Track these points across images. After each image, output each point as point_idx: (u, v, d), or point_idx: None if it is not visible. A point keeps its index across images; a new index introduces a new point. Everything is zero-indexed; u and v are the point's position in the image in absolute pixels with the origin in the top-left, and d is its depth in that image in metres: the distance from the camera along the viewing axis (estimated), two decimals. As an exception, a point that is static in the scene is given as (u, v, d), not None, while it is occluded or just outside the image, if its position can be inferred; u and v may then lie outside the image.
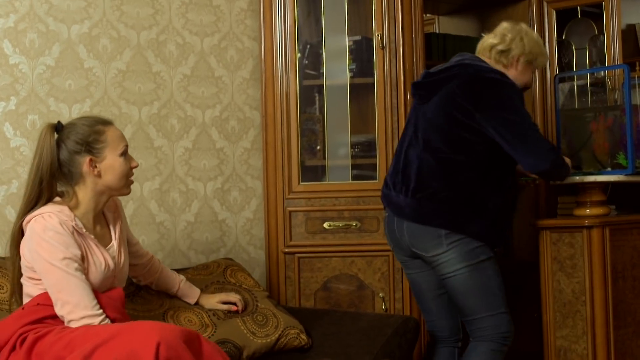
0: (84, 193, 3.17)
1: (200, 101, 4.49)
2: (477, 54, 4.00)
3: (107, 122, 3.21)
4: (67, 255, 3.02)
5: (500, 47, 3.94)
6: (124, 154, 3.20)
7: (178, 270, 4.00)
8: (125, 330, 2.85)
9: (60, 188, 3.17)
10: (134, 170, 3.26)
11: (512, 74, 3.92)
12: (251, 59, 4.68)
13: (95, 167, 3.14)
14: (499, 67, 3.92)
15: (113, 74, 4.19)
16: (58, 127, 3.17)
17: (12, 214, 3.85)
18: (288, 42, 4.55)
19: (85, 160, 3.13)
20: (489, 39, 3.99)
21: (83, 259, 3.09)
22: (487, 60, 3.94)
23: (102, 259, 3.16)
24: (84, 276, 3.06)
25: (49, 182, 3.12)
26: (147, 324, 2.90)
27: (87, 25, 4.12)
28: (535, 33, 4.05)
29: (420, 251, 3.84)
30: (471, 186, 3.76)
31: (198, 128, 4.47)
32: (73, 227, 3.08)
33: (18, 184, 3.87)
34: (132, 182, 3.27)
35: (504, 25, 4.02)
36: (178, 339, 2.82)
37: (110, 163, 3.16)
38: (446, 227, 3.74)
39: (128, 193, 3.29)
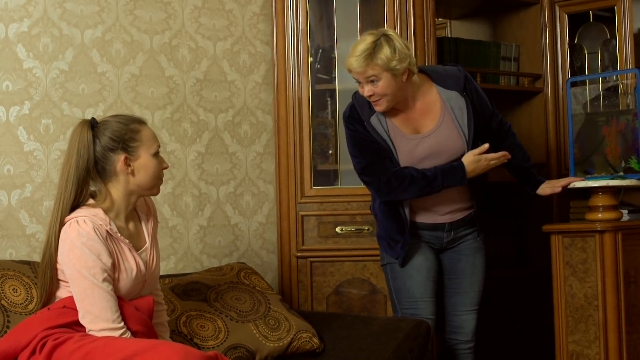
0: (117, 191, 3.15)
1: (213, 105, 4.50)
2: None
3: (141, 121, 3.20)
4: (96, 265, 3.01)
5: (404, 65, 3.75)
6: (157, 154, 3.19)
7: (190, 274, 4.02)
8: (147, 350, 2.84)
9: (92, 187, 3.15)
10: (164, 171, 3.25)
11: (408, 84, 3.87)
12: (264, 63, 4.69)
13: (129, 165, 3.13)
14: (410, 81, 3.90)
15: (126, 79, 4.21)
16: (93, 123, 3.15)
17: (26, 218, 3.86)
18: (300, 46, 4.56)
19: (120, 158, 3.11)
20: (390, 60, 3.73)
21: (114, 266, 3.08)
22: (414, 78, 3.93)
23: (133, 265, 3.14)
24: (110, 287, 3.04)
25: (84, 180, 3.11)
26: (169, 347, 2.87)
27: (101, 29, 4.13)
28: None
29: None
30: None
31: (211, 132, 4.48)
32: (107, 231, 3.07)
33: (32, 188, 3.89)
34: (162, 183, 3.26)
35: (381, 40, 3.77)
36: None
37: (144, 162, 3.14)
38: None
39: (157, 193, 3.27)
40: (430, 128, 3.86)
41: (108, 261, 3.04)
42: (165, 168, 3.24)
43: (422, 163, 3.83)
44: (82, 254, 3.01)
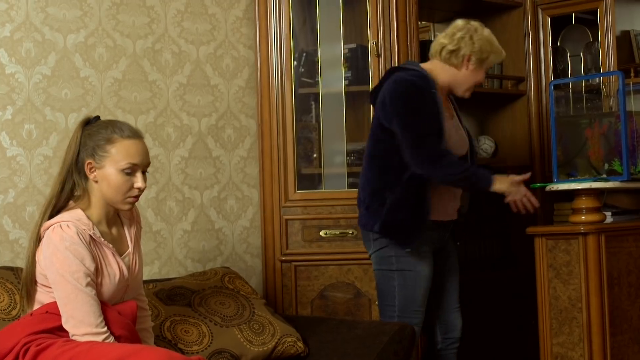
0: (94, 194, 3.13)
1: (196, 110, 4.50)
2: (430, 56, 4.05)
3: (128, 135, 3.13)
4: (79, 269, 3.00)
5: (449, 47, 3.94)
6: (127, 170, 3.10)
7: (174, 279, 4.01)
8: (130, 355, 2.83)
9: (76, 187, 3.14)
10: (138, 190, 3.14)
11: (462, 73, 3.95)
12: (247, 67, 4.69)
13: (93, 171, 3.11)
14: (449, 68, 3.96)
15: (109, 83, 4.20)
16: (91, 121, 3.17)
17: (8, 224, 3.85)
18: (284, 50, 4.56)
19: (86, 160, 3.10)
20: (439, 39, 4.01)
21: (97, 271, 3.07)
22: (437, 61, 3.98)
23: (116, 270, 3.13)
24: (94, 291, 3.03)
25: (68, 173, 3.11)
26: (153, 352, 2.87)
27: (83, 34, 4.12)
28: (487, 31, 4.00)
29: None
30: (372, 183, 3.97)
31: (194, 136, 4.48)
32: (90, 236, 3.06)
33: (15, 193, 3.88)
34: (131, 201, 3.16)
35: (455, 24, 4.02)
36: None
37: (107, 174, 3.09)
38: (367, 228, 3.99)
39: (124, 209, 3.19)
40: (453, 119, 4.04)
41: (91, 265, 3.03)
42: (139, 188, 3.14)
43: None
44: (66, 259, 3.00)
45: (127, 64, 4.26)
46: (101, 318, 3.02)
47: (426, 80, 3.88)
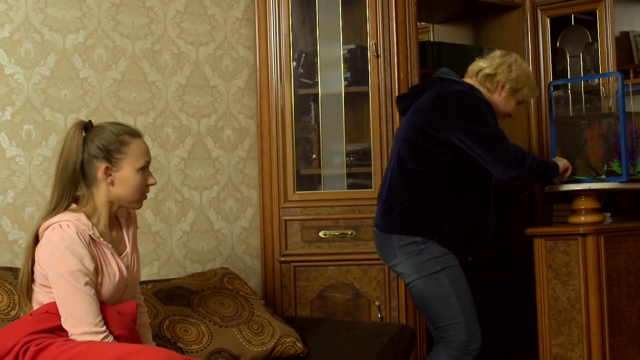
0: (99, 197, 3.14)
1: (196, 110, 4.50)
2: (466, 74, 4.06)
3: (134, 134, 3.18)
4: (79, 268, 3.00)
5: (487, 70, 4.01)
6: (143, 169, 3.16)
7: (174, 280, 4.01)
8: (130, 354, 2.84)
9: (78, 192, 3.14)
10: (150, 187, 3.22)
11: (494, 99, 4.00)
12: (246, 68, 4.69)
13: (110, 175, 3.12)
14: (483, 90, 3.98)
15: (108, 84, 4.20)
16: (87, 126, 3.15)
17: (8, 225, 3.85)
18: (283, 51, 4.55)
19: (101, 167, 3.11)
20: (478, 62, 4.07)
21: (97, 271, 3.07)
22: (474, 81, 4.01)
23: (116, 269, 3.14)
24: (93, 291, 3.03)
25: (70, 182, 3.11)
26: (153, 352, 2.88)
27: (82, 35, 4.12)
28: (526, 65, 4.11)
29: (384, 261, 4.00)
30: (435, 197, 3.85)
31: (193, 137, 4.48)
32: (90, 236, 3.07)
33: (14, 194, 3.88)
34: (145, 198, 3.23)
35: (497, 52, 4.11)
36: None
37: (125, 175, 3.13)
38: (404, 233, 3.85)
39: (138, 207, 3.26)
40: None
41: (90, 265, 3.03)
42: (152, 184, 3.21)
43: None
44: (64, 258, 3.00)
45: (126, 64, 4.26)
46: (100, 317, 3.02)
47: (480, 92, 3.95)
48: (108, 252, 3.13)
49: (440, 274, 3.84)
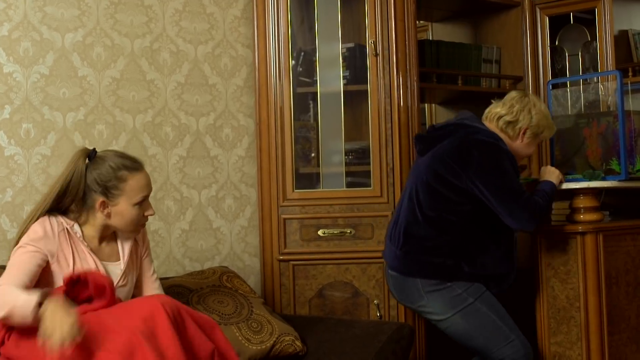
0: (93, 221, 3.21)
1: (195, 109, 4.49)
2: (483, 120, 4.05)
3: (134, 168, 3.21)
4: (38, 242, 3.06)
5: (507, 118, 4.00)
6: (140, 203, 3.21)
7: (172, 278, 4.01)
8: (124, 306, 2.95)
9: (74, 208, 3.21)
10: (149, 217, 3.27)
11: (516, 145, 4.01)
12: (245, 67, 4.68)
13: (107, 208, 3.17)
14: (504, 137, 3.99)
15: (107, 82, 4.19)
16: (91, 155, 3.20)
17: (6, 223, 3.85)
18: (282, 49, 4.55)
19: (98, 200, 3.16)
20: (496, 108, 4.05)
21: (65, 260, 3.11)
22: (492, 127, 3.99)
23: (92, 265, 3.17)
24: (39, 262, 3.05)
25: (69, 200, 3.17)
26: (139, 298, 3.04)
27: (81, 33, 4.12)
28: (544, 105, 4.10)
29: (405, 303, 4.01)
30: (457, 242, 3.85)
31: (192, 136, 4.48)
32: (66, 229, 3.12)
33: (12, 192, 3.87)
34: (142, 227, 3.31)
35: (512, 95, 4.08)
36: (172, 300, 2.95)
37: (122, 210, 3.18)
38: (428, 277, 3.85)
39: (134, 236, 3.33)
40: None
41: (52, 249, 3.09)
42: (150, 215, 3.26)
43: None
44: (29, 233, 3.08)
45: (125, 63, 4.26)
46: (28, 282, 3.00)
47: (503, 143, 3.95)
48: (84, 249, 3.17)
49: (475, 304, 3.85)
